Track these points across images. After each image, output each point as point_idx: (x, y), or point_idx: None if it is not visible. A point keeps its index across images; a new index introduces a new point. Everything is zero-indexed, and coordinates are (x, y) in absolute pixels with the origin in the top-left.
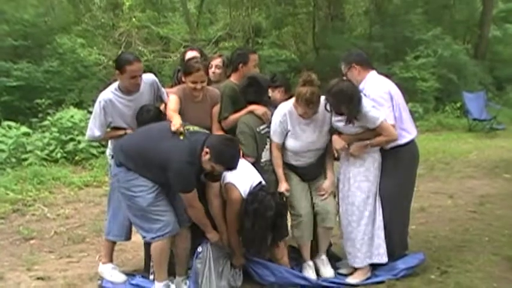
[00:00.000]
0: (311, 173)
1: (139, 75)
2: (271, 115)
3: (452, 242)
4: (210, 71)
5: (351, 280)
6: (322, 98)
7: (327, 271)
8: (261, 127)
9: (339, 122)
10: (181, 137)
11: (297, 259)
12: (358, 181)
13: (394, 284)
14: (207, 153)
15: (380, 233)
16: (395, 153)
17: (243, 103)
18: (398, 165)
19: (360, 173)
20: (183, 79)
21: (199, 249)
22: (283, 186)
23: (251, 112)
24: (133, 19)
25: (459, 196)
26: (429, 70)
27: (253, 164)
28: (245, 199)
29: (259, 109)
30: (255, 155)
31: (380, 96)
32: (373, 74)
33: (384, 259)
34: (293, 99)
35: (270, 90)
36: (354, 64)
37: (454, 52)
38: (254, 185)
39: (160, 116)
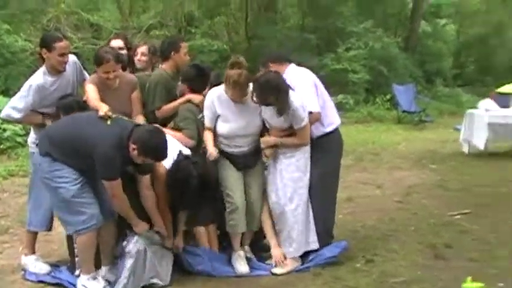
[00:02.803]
0: (246, 161)
1: (67, 53)
2: None
3: (378, 232)
4: (136, 58)
5: (278, 270)
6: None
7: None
8: (200, 115)
9: (267, 113)
10: (108, 122)
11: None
12: (290, 172)
13: (319, 272)
14: (134, 148)
15: (311, 221)
16: (321, 142)
17: (175, 93)
18: (324, 155)
19: (292, 163)
20: (95, 69)
21: (124, 243)
22: (210, 150)
23: (189, 101)
24: (62, 4)
25: (387, 186)
26: (360, 62)
27: (193, 148)
28: (169, 170)
29: (196, 98)
30: (196, 138)
31: (304, 84)
32: (292, 66)
33: (316, 245)
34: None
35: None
36: (269, 64)
37: (385, 45)
38: (175, 156)
39: (81, 103)
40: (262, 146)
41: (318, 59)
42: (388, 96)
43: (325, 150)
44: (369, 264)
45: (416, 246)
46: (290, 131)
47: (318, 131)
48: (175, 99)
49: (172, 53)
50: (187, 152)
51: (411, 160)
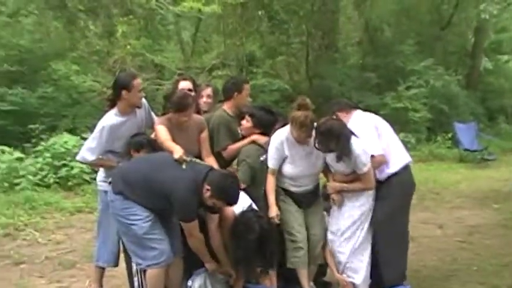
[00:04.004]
0: (308, 200)
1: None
2: None
3: (440, 272)
4: (201, 101)
5: None
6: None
7: None
8: (263, 157)
9: (331, 158)
10: (184, 166)
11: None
12: (352, 215)
13: None
14: (207, 190)
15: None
16: (388, 183)
17: (237, 132)
18: (390, 194)
19: (355, 207)
20: (172, 113)
21: (189, 283)
22: (273, 212)
23: (253, 142)
24: (128, 46)
25: (448, 226)
26: (421, 101)
27: (247, 190)
28: (234, 218)
29: (261, 139)
30: (247, 183)
31: (365, 128)
32: (357, 113)
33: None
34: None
35: None
36: (336, 113)
37: (446, 83)
38: (245, 207)
39: (151, 141)
40: (329, 191)
41: (379, 97)
42: (449, 135)
43: (391, 190)
44: None
45: (478, 287)
46: (354, 176)
47: (384, 173)
48: (237, 138)
49: (235, 94)
50: (252, 204)
51: (473, 199)
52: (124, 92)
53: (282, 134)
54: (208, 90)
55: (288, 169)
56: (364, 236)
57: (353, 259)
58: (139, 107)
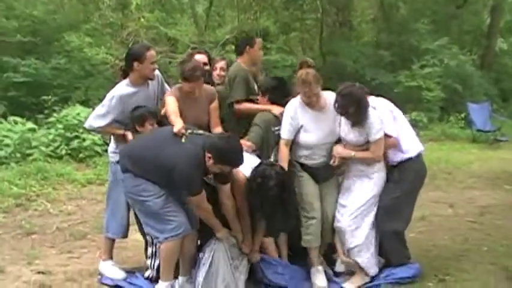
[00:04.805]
0: (323, 173)
1: (156, 61)
2: None
3: (451, 251)
4: (215, 73)
5: (348, 286)
6: (329, 93)
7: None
8: (276, 127)
9: (344, 131)
10: (183, 140)
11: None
12: (364, 194)
13: None
14: (209, 158)
15: (374, 250)
16: (400, 167)
17: (253, 88)
18: (402, 179)
19: (368, 187)
20: (181, 81)
21: (201, 255)
22: None
23: (269, 111)
24: (142, 19)
25: (460, 206)
26: (435, 80)
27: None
28: (248, 177)
29: (277, 109)
30: (258, 145)
31: (381, 110)
32: (371, 98)
33: (375, 271)
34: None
35: None
36: None
37: (460, 62)
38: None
39: (154, 112)
40: (333, 153)
41: (392, 75)
42: (462, 115)
43: (404, 176)
44: (441, 284)
45: (488, 268)
46: (365, 147)
47: (397, 156)
48: (253, 93)
49: (247, 47)
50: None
51: (485, 180)
52: (136, 64)
53: (294, 102)
54: (222, 63)
55: (303, 137)
56: (370, 221)
57: (356, 242)
58: (151, 79)
